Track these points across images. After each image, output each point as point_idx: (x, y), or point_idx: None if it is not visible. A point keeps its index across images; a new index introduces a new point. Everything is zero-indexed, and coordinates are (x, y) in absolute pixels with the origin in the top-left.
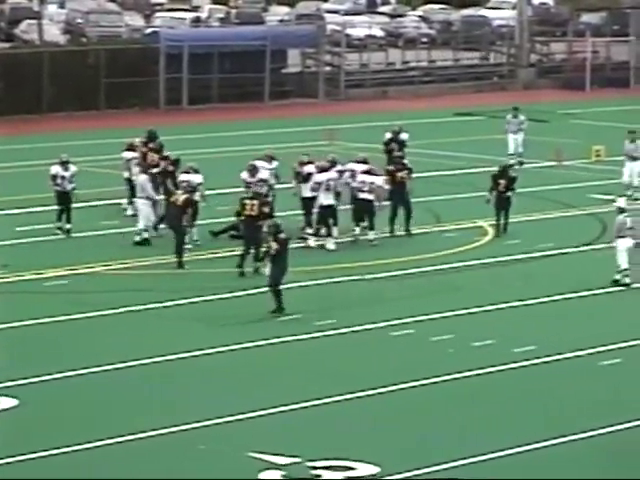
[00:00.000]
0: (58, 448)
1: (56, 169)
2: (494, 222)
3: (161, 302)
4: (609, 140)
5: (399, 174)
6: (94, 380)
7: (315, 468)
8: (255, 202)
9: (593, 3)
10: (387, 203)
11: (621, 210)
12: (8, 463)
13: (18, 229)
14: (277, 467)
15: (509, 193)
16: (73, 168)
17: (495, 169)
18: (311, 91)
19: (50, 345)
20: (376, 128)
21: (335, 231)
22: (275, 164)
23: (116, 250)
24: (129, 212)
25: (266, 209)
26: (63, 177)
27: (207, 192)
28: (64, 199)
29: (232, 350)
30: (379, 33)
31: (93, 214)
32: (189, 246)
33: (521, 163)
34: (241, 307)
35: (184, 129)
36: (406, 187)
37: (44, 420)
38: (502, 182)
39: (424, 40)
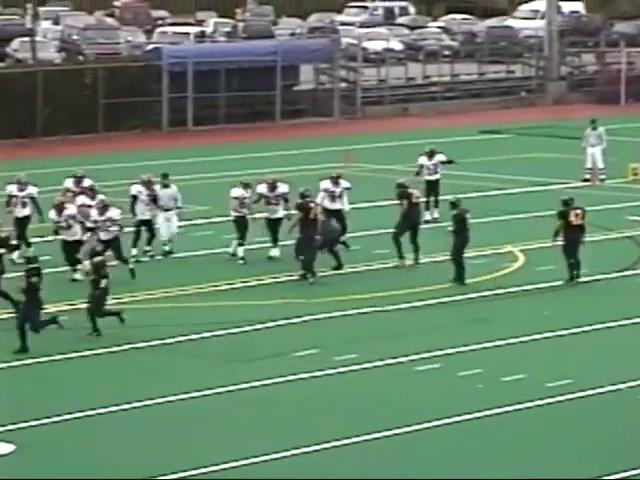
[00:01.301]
0: None
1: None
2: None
3: (166, 337)
4: None
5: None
6: (97, 422)
7: None
8: (318, 207)
9: (627, 11)
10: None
11: None
12: None
13: (17, 260)
14: None
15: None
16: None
17: (523, 192)
18: (325, 109)
19: (51, 385)
20: (396, 148)
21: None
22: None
23: (122, 282)
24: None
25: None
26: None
27: (216, 219)
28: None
29: (251, 387)
30: (398, 46)
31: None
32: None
33: (602, 180)
34: (252, 342)
35: (189, 152)
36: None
37: (46, 467)
38: (572, 214)
39: (446, 53)
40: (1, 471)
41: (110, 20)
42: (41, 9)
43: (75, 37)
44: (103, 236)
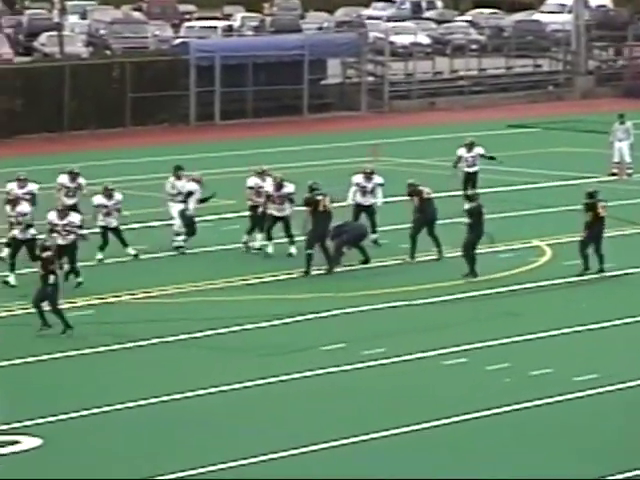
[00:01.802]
0: None
1: (100, 200)
2: (583, 252)
3: (195, 332)
4: None
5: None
6: (127, 416)
7: None
8: (327, 198)
9: None
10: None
11: None
12: None
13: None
14: None
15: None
16: (118, 197)
17: (549, 185)
18: (353, 103)
19: (80, 380)
20: (424, 142)
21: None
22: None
23: (145, 277)
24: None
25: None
26: (106, 206)
27: (244, 213)
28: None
29: (280, 382)
30: (425, 40)
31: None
32: None
33: (630, 174)
34: (280, 336)
35: (216, 146)
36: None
37: (73, 461)
38: (599, 207)
39: (473, 47)
40: (29, 464)
41: (137, 14)
42: (68, 3)
43: (102, 31)
44: (61, 241)
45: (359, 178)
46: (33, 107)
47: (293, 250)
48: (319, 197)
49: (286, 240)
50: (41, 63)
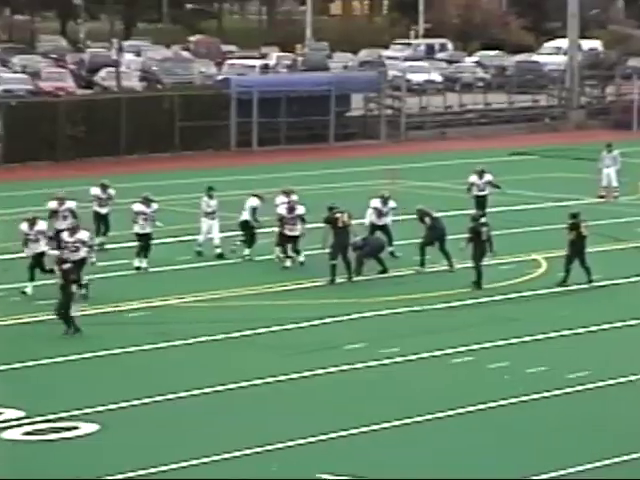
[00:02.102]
0: (134, 471)
1: (139, 207)
2: (567, 267)
3: (234, 331)
4: None
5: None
6: (178, 404)
7: None
8: (345, 214)
9: None
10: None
11: None
12: None
13: (100, 264)
14: None
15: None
16: (155, 206)
17: (546, 206)
18: (373, 133)
19: (133, 372)
20: (435, 168)
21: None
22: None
23: (191, 283)
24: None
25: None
26: (145, 214)
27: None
28: (143, 238)
29: (307, 376)
30: (437, 78)
31: (169, 250)
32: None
33: (616, 197)
34: (308, 336)
35: (254, 170)
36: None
37: (127, 446)
38: (582, 227)
39: (480, 84)
40: (87, 448)
41: (185, 53)
42: (125, 43)
43: (155, 68)
44: (70, 257)
45: (376, 202)
46: (94, 134)
47: (302, 258)
48: (337, 215)
49: (294, 254)
50: (101, 95)
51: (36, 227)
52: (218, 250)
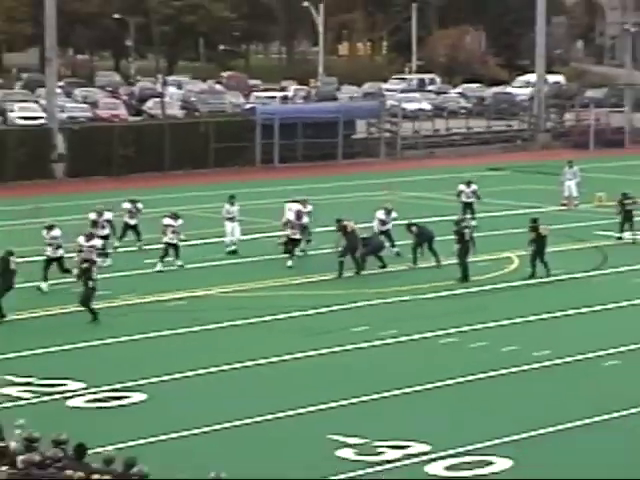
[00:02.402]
0: (176, 432)
1: (168, 221)
2: (532, 263)
3: (259, 317)
4: (609, 189)
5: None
6: (207, 378)
7: (380, 447)
8: (351, 222)
9: (596, 81)
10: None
11: None
12: (139, 444)
13: (146, 261)
14: (350, 446)
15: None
16: (180, 221)
17: (518, 213)
18: (374, 152)
19: (173, 351)
20: (426, 181)
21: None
22: (310, 208)
23: (220, 277)
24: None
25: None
26: (173, 226)
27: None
28: (170, 247)
29: (320, 354)
30: (427, 107)
31: (201, 250)
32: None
33: (576, 205)
34: (321, 320)
35: (275, 183)
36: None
37: (169, 411)
38: (541, 228)
39: (463, 112)
40: (135, 415)
41: (218, 86)
42: (169, 78)
43: (193, 98)
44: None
45: (381, 214)
46: (142, 153)
47: (290, 263)
48: (345, 223)
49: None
50: (148, 121)
51: (52, 232)
52: (234, 247)
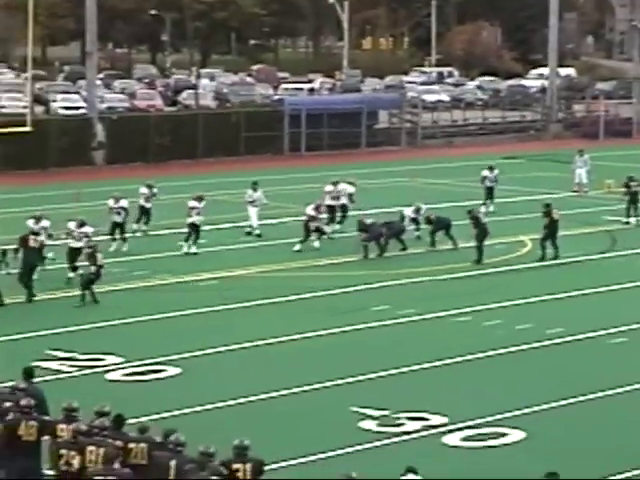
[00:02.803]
0: (211, 403)
1: (193, 203)
2: (542, 245)
3: (285, 296)
4: (617, 176)
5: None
6: (242, 353)
7: (400, 418)
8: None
9: (605, 74)
10: None
11: None
12: (174, 416)
13: (179, 243)
14: (372, 418)
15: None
16: (204, 203)
17: (531, 199)
18: (396, 141)
19: (207, 327)
20: (445, 168)
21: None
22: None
23: (249, 259)
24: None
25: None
26: (196, 208)
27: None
28: (194, 227)
29: (343, 332)
30: (446, 98)
31: (229, 233)
32: None
33: (586, 192)
34: (345, 300)
35: (303, 170)
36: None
37: (202, 384)
38: (554, 213)
39: (479, 103)
40: (170, 388)
41: (249, 79)
42: (202, 71)
43: (225, 90)
44: (73, 244)
45: (410, 211)
46: (177, 142)
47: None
48: (362, 219)
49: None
50: (183, 112)
51: (83, 229)
52: (255, 230)
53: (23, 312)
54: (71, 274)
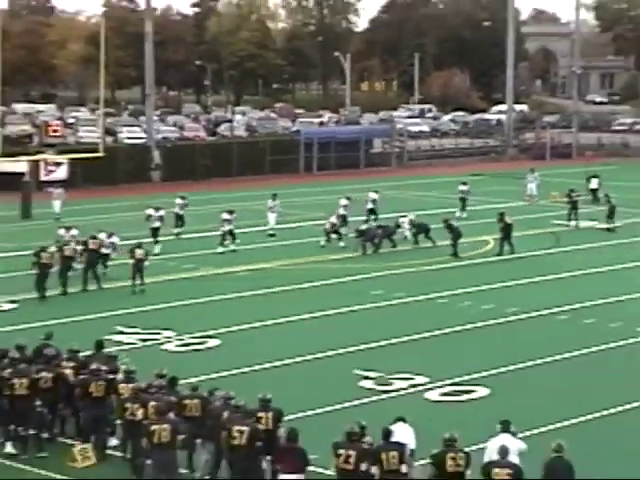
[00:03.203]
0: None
1: (225, 215)
2: (500, 244)
3: (305, 283)
4: (560, 188)
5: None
6: (270, 328)
7: (391, 379)
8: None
9: (551, 110)
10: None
11: None
12: (215, 378)
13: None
14: (370, 378)
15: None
16: (234, 215)
17: (493, 207)
18: (387, 162)
19: (243, 308)
20: (425, 184)
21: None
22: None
23: (274, 255)
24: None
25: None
26: (230, 220)
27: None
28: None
29: (351, 311)
30: (426, 129)
31: (256, 235)
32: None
33: (536, 201)
34: (349, 286)
35: (315, 185)
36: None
37: (238, 353)
38: (506, 219)
39: (452, 132)
40: (211, 356)
41: (273, 114)
42: (236, 108)
43: (254, 123)
44: (105, 250)
45: (405, 220)
46: (217, 164)
47: (342, 244)
48: (360, 228)
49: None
50: (221, 140)
51: (111, 238)
52: (272, 232)
53: (94, 298)
54: (104, 270)
